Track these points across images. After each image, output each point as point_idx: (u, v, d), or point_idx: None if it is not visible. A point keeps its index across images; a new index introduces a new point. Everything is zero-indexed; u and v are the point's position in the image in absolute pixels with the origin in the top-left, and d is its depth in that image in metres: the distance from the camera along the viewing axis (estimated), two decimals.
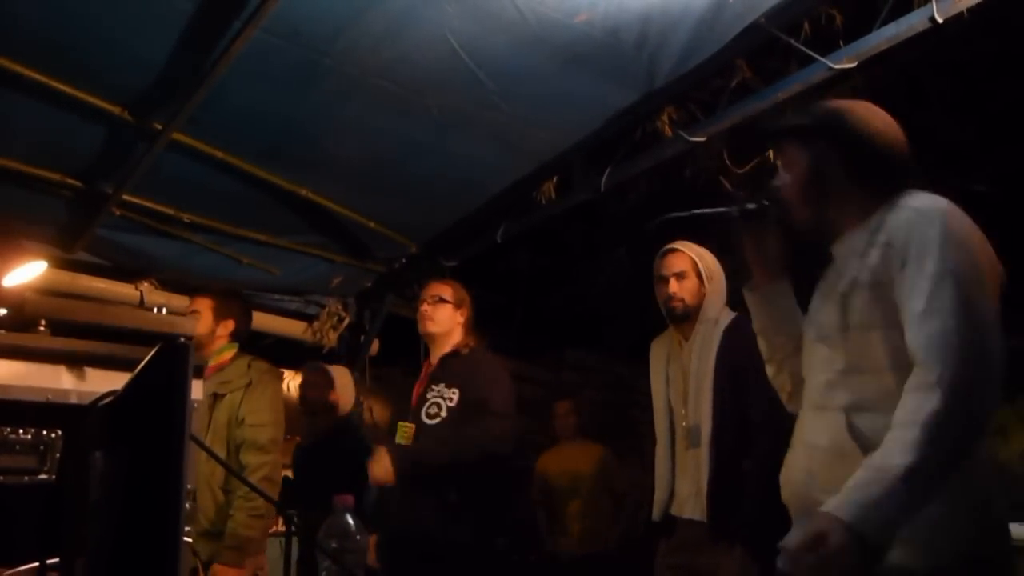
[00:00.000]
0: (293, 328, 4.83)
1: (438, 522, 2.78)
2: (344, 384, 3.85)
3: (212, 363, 3.11)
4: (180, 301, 4.14)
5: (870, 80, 3.24)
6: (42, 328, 3.16)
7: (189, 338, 1.02)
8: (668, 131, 3.19)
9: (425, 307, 3.06)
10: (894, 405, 1.43)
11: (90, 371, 2.32)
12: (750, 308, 1.85)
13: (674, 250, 2.74)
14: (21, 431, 1.92)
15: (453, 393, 2.91)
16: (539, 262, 6.40)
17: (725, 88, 2.99)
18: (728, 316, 2.68)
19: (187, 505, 2.74)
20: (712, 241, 2.77)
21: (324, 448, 3.70)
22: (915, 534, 1.38)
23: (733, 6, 2.48)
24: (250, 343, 3.31)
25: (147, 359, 1.06)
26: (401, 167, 3.33)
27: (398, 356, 4.66)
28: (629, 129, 3.22)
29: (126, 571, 0.99)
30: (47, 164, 3.18)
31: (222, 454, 2.89)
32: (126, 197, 3.36)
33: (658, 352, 2.83)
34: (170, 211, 3.58)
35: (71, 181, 3.26)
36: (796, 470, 1.64)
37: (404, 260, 4.43)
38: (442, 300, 3.05)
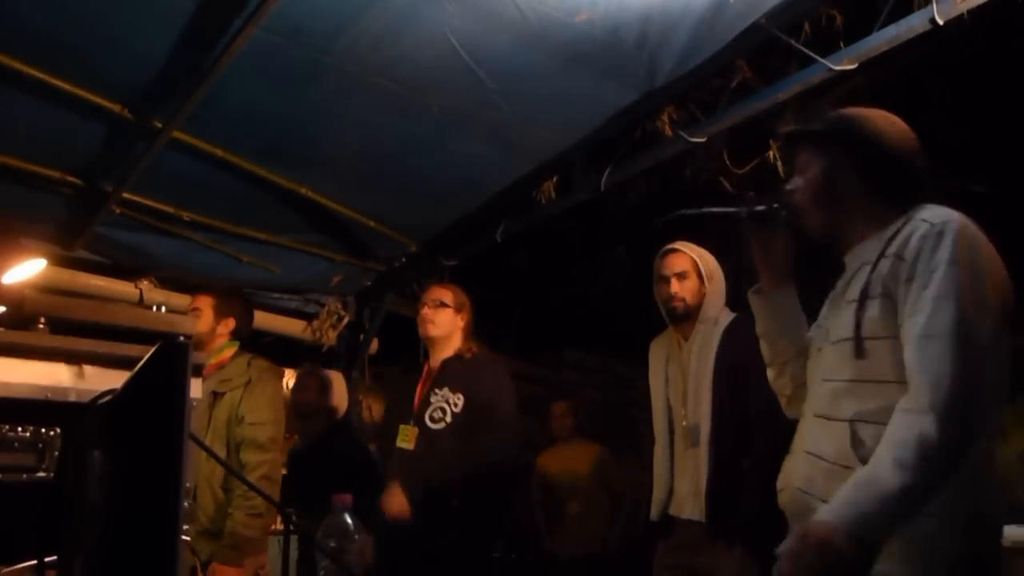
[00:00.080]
0: (293, 327, 4.83)
1: (438, 524, 2.79)
2: (338, 388, 3.86)
3: (212, 361, 3.11)
4: (180, 299, 4.14)
5: (870, 81, 3.25)
6: (41, 326, 3.15)
7: (188, 337, 1.02)
8: (668, 131, 3.19)
9: (426, 311, 3.08)
10: None
11: (89, 369, 2.32)
12: (754, 311, 1.85)
13: (675, 250, 2.74)
14: (19, 429, 1.92)
15: (458, 399, 2.93)
16: (539, 261, 6.41)
17: (725, 88, 2.99)
18: (728, 316, 2.68)
19: (187, 504, 2.75)
20: (712, 242, 2.78)
21: (318, 451, 3.70)
22: (912, 534, 1.39)
23: (734, 6, 2.48)
24: (250, 341, 3.31)
25: (146, 358, 1.06)
26: (401, 166, 3.33)
27: (397, 355, 4.66)
28: (629, 129, 3.22)
29: (125, 570, 0.99)
30: (47, 162, 3.18)
31: (222, 453, 2.89)
32: (126, 195, 3.36)
33: (657, 352, 2.83)
34: (170, 209, 3.58)
35: (71, 179, 3.26)
36: (795, 477, 1.63)
37: (404, 259, 4.42)
38: (443, 304, 3.07)
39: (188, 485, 2.85)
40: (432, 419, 2.93)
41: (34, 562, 1.36)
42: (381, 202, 3.74)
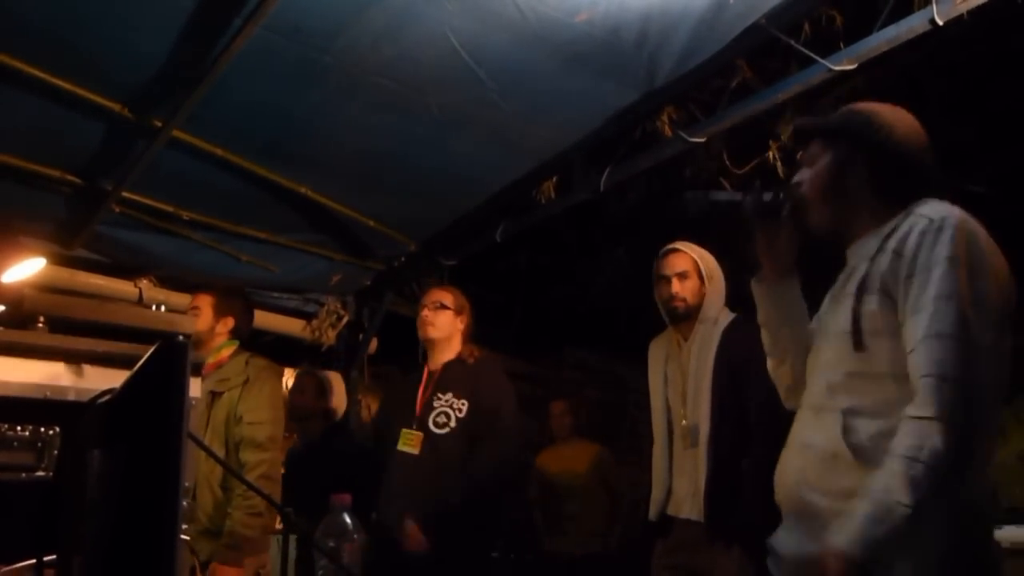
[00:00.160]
0: (292, 326, 4.83)
1: (439, 524, 2.79)
2: (337, 389, 3.85)
3: (211, 360, 3.11)
4: (179, 298, 4.14)
5: (870, 82, 3.24)
6: (40, 325, 3.16)
7: (188, 336, 1.02)
8: (668, 131, 3.19)
9: (426, 313, 3.08)
10: (891, 412, 1.44)
11: (88, 368, 2.32)
12: (756, 299, 1.84)
13: (675, 250, 2.74)
14: (19, 428, 1.92)
15: (463, 404, 2.94)
16: (538, 261, 6.40)
17: (725, 88, 2.99)
18: (727, 316, 2.68)
19: (186, 503, 2.74)
20: (711, 242, 2.78)
21: (316, 452, 3.70)
22: (910, 533, 1.39)
23: (734, 6, 2.48)
24: (249, 341, 3.31)
25: (145, 357, 1.06)
26: (401, 165, 3.33)
27: (397, 354, 4.66)
28: (629, 129, 3.21)
29: (123, 569, 0.99)
30: (47, 160, 3.18)
31: (221, 452, 2.89)
32: (125, 194, 3.36)
33: (657, 352, 2.83)
34: (169, 208, 3.58)
35: (70, 177, 3.25)
36: (789, 469, 1.63)
37: (403, 258, 4.42)
38: (443, 306, 3.08)
39: (187, 484, 2.85)
40: (436, 424, 2.94)
41: (33, 561, 1.36)
42: (381, 201, 3.73)
